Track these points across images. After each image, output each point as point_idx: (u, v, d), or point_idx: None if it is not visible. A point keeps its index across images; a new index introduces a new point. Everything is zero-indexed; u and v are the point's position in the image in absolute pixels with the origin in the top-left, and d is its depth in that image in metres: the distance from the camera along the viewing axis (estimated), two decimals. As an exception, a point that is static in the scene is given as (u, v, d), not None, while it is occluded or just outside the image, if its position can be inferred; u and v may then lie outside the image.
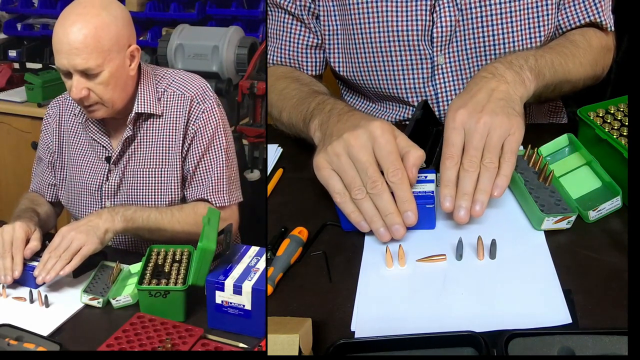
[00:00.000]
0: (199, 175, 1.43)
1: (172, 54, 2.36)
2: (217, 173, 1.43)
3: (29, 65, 2.91)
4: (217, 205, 1.43)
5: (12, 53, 2.95)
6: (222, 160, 1.44)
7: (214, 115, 1.43)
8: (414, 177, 1.01)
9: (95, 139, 1.44)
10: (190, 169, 1.43)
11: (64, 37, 1.27)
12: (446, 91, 1.42)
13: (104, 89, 1.32)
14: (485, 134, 1.02)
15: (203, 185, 1.43)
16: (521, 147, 1.21)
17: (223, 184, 1.44)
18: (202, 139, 1.41)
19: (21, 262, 1.23)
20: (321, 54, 1.51)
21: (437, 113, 1.44)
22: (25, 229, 1.27)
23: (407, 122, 1.39)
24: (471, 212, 1.01)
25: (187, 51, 2.34)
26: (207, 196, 1.43)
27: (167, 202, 1.42)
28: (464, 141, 1.03)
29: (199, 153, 1.42)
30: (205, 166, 1.43)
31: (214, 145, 1.43)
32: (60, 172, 1.51)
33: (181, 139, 1.41)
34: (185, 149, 1.42)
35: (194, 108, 1.41)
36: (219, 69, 2.32)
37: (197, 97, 1.42)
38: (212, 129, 1.42)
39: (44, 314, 1.15)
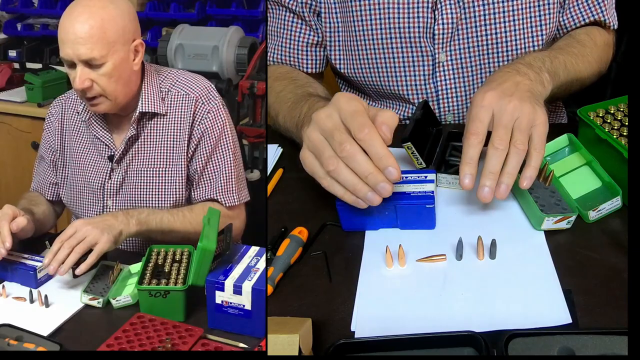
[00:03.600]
0: (207, 176, 1.43)
1: (172, 54, 2.35)
2: (226, 173, 1.44)
3: (29, 65, 2.91)
4: (227, 205, 1.44)
5: (12, 53, 2.95)
6: (230, 160, 1.44)
7: (220, 115, 1.43)
8: (386, 135, 0.94)
9: (99, 137, 1.44)
10: (198, 169, 1.43)
11: (70, 28, 1.28)
12: (447, 89, 1.43)
13: (107, 81, 1.32)
14: (515, 117, 1.00)
15: (212, 185, 1.43)
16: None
17: (232, 184, 1.44)
18: (209, 140, 1.42)
19: (9, 235, 1.23)
20: (321, 52, 1.51)
21: (437, 111, 1.44)
22: (13, 208, 1.28)
23: (408, 122, 1.40)
24: (495, 192, 0.99)
25: (187, 51, 2.34)
26: (216, 196, 1.43)
27: (170, 202, 1.42)
28: (492, 121, 1.01)
29: (206, 153, 1.42)
30: (213, 166, 1.43)
31: (221, 145, 1.43)
32: (63, 170, 1.51)
33: (186, 139, 1.41)
34: (192, 149, 1.42)
35: (199, 108, 1.41)
36: (219, 69, 2.32)
37: (202, 98, 1.42)
38: (219, 129, 1.42)
39: (44, 314, 1.15)
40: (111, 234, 1.24)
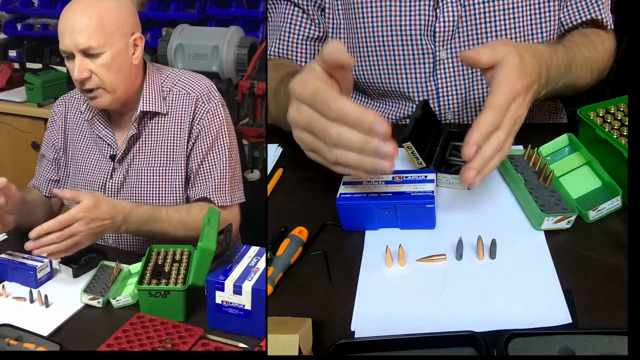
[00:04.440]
0: (202, 174, 1.43)
1: (172, 54, 2.35)
2: (220, 172, 1.43)
3: (29, 65, 2.91)
4: (219, 204, 1.43)
5: (12, 53, 2.95)
6: (225, 160, 1.44)
7: (218, 115, 1.43)
8: (344, 60, 0.91)
9: (101, 136, 1.44)
10: (194, 167, 1.43)
11: (68, 20, 1.31)
12: (447, 86, 1.43)
13: (106, 72, 1.33)
14: (514, 121, 1.00)
15: (206, 184, 1.43)
16: (521, 147, 1.22)
17: (225, 184, 1.44)
18: (206, 138, 1.42)
19: None
20: (318, 47, 1.52)
21: (437, 108, 1.45)
22: None
23: (408, 121, 1.40)
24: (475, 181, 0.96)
25: (187, 51, 2.34)
26: (209, 195, 1.43)
27: (171, 202, 1.43)
28: None
29: (202, 152, 1.42)
30: (208, 165, 1.43)
31: (217, 145, 1.43)
32: (65, 169, 1.51)
33: (186, 138, 1.41)
34: (190, 147, 1.42)
35: (199, 108, 1.42)
36: (219, 69, 2.32)
37: (203, 97, 1.42)
38: (216, 128, 1.42)
39: (44, 314, 1.15)
40: (96, 238, 1.26)
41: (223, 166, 1.44)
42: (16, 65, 2.90)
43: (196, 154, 1.42)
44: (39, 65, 2.84)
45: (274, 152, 1.39)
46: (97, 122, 1.44)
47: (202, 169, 1.43)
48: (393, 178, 1.10)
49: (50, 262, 1.27)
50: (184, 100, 1.42)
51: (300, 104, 0.95)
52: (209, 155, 1.43)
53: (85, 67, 1.32)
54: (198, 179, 1.44)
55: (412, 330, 0.85)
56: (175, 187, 1.43)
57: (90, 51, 1.31)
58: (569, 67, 1.25)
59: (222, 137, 1.44)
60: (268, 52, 1.53)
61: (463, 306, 0.92)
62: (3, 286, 1.22)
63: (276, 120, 1.38)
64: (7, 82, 2.78)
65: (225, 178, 1.44)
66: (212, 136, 1.42)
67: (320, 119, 0.92)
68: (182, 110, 1.42)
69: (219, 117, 1.43)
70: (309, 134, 0.95)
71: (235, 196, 1.47)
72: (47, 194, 1.55)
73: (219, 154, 1.43)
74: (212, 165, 1.43)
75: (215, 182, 1.43)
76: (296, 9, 1.48)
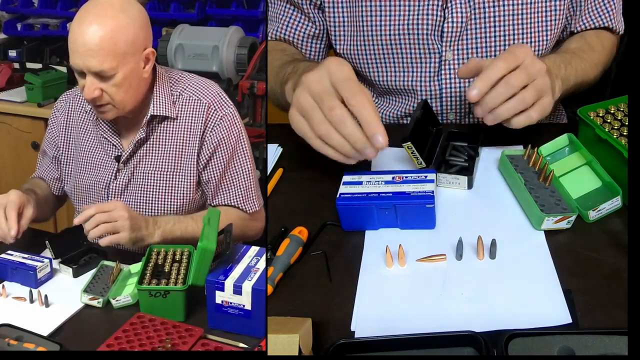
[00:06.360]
0: (226, 183, 1.44)
1: (172, 54, 2.35)
2: (246, 179, 1.45)
3: (29, 65, 2.90)
4: (249, 211, 1.45)
5: (12, 53, 2.95)
6: (249, 167, 1.45)
7: (235, 121, 1.43)
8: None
9: (106, 137, 1.44)
10: (215, 176, 1.42)
11: (80, 38, 1.27)
12: (451, 87, 1.43)
13: (116, 91, 1.32)
14: (538, 75, 1.07)
15: (232, 192, 1.44)
16: (521, 147, 1.22)
17: (252, 190, 1.46)
18: (226, 147, 1.42)
19: (15, 222, 1.26)
20: (318, 44, 1.53)
21: (439, 109, 1.45)
22: (19, 194, 1.29)
23: (408, 119, 1.40)
24: (483, 111, 1.09)
25: (187, 51, 2.34)
26: (237, 203, 1.44)
27: (176, 206, 1.42)
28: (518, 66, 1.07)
29: (224, 160, 1.42)
30: (232, 174, 1.44)
31: (239, 152, 1.44)
32: (66, 166, 1.51)
33: (197, 144, 1.41)
34: (205, 156, 1.41)
35: (212, 114, 1.41)
36: (219, 69, 2.32)
37: (215, 104, 1.42)
38: (235, 135, 1.43)
39: (44, 314, 1.15)
40: (134, 235, 1.26)
41: (247, 173, 1.45)
42: (16, 65, 2.90)
43: (217, 163, 1.42)
44: (39, 65, 2.84)
45: (274, 152, 1.39)
46: (103, 124, 1.43)
47: (225, 178, 1.43)
48: (393, 178, 1.11)
49: (51, 262, 1.27)
50: (195, 106, 1.41)
51: (325, 76, 1.00)
52: (231, 164, 1.43)
53: (96, 87, 1.30)
54: (222, 187, 1.44)
55: (412, 330, 0.85)
56: (182, 192, 1.42)
57: (103, 74, 1.28)
58: (569, 62, 1.31)
59: (242, 144, 1.44)
60: (269, 35, 1.54)
61: (463, 306, 0.92)
62: (3, 286, 1.22)
63: (271, 96, 1.41)
64: (7, 82, 2.78)
65: (252, 185, 1.45)
66: (232, 144, 1.42)
67: (334, 97, 0.99)
68: (192, 116, 1.41)
69: (237, 124, 1.43)
70: (312, 100, 1.01)
71: (261, 200, 1.49)
72: (55, 193, 1.55)
73: (242, 161, 1.44)
74: (236, 173, 1.44)
75: (242, 190, 1.44)
76: (294, 9, 1.50)
